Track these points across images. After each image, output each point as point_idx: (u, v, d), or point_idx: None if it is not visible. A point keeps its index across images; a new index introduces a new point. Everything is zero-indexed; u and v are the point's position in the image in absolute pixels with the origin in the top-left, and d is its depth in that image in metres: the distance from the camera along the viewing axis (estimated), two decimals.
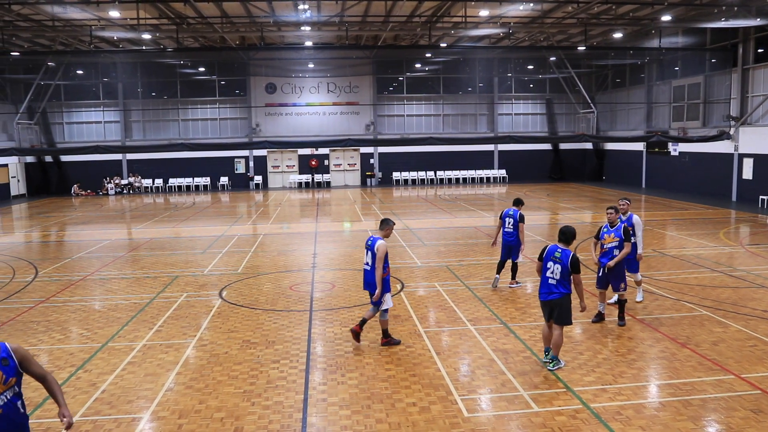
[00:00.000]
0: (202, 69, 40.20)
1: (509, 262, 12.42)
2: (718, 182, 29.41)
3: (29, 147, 35.79)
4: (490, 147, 41.83)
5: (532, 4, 24.89)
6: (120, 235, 21.25)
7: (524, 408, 6.92)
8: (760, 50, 27.39)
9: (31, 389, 7.67)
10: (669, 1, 24.16)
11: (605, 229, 9.93)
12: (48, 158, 39.01)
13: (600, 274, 9.89)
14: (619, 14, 27.39)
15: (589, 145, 40.67)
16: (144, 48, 33.48)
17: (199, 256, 16.58)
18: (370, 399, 7.25)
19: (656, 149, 34.34)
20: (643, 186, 35.82)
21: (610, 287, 9.90)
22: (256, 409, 7.04)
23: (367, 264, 8.94)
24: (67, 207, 31.33)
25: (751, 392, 7.23)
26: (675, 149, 32.60)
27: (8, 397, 4.23)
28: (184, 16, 26.44)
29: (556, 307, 7.95)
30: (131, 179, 40.04)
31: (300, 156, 41.46)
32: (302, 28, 28.41)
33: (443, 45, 32.09)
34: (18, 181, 37.47)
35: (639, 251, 10.51)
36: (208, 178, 40.70)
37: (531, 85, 42.62)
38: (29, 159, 38.24)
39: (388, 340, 9.04)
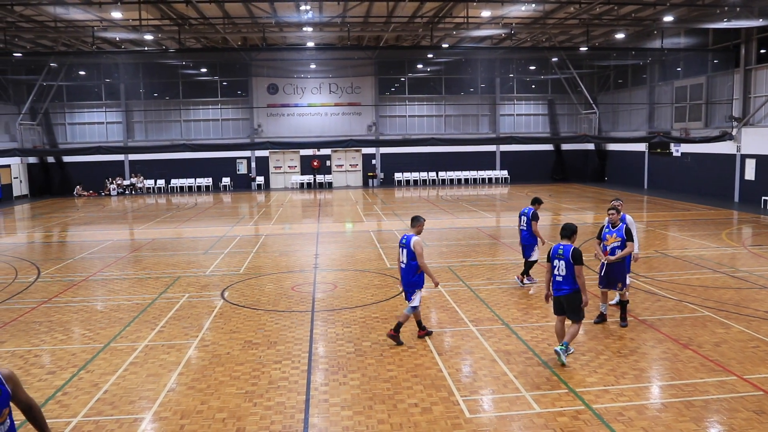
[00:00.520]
0: (204, 70, 40.24)
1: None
2: (721, 183, 29.37)
3: (32, 148, 35.89)
4: (492, 148, 41.83)
5: (534, 5, 24.88)
6: (122, 236, 21.27)
7: (526, 409, 6.92)
8: (762, 51, 27.35)
9: (33, 389, 7.69)
10: (671, 1, 24.15)
11: (606, 230, 9.92)
12: (50, 159, 39.07)
13: (602, 273, 9.89)
14: (621, 15, 27.38)
15: (591, 146, 40.64)
16: (146, 49, 33.54)
17: (201, 257, 16.60)
18: (371, 400, 7.25)
19: (658, 150, 34.30)
20: (645, 187, 35.77)
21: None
22: (258, 409, 7.04)
23: (403, 262, 9.12)
24: (69, 208, 31.38)
25: (754, 393, 7.21)
26: (677, 150, 32.55)
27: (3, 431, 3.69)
28: (186, 17, 26.48)
29: (566, 303, 8.16)
30: (133, 180, 40.09)
31: (302, 157, 41.49)
32: (304, 28, 28.43)
33: (445, 46, 32.10)
34: (20, 181, 37.54)
35: (636, 251, 10.41)
36: (210, 179, 40.74)
37: (533, 86, 42.62)
38: (32, 160, 38.31)
39: (396, 335, 9.12)
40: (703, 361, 8.27)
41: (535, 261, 12.60)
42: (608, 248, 9.79)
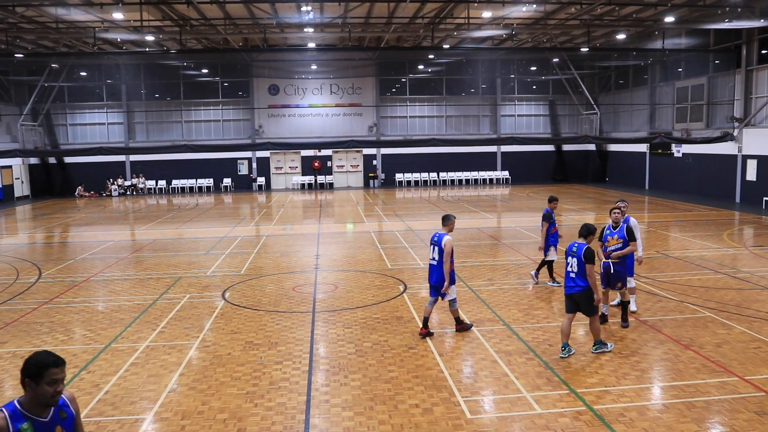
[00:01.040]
0: (205, 70, 40.27)
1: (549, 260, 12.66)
2: (722, 184, 29.34)
3: (33, 148, 35.93)
4: (492, 148, 41.83)
5: (535, 6, 24.89)
6: (123, 237, 21.29)
7: (527, 410, 6.91)
8: (763, 51, 27.34)
9: None
10: (672, 2, 24.15)
11: (608, 231, 9.91)
12: (52, 160, 39.12)
13: (602, 273, 9.88)
14: (623, 15, 27.37)
15: (592, 147, 40.61)
16: (147, 50, 33.58)
17: (202, 258, 16.60)
18: (372, 400, 7.25)
19: (659, 150, 34.28)
20: (647, 187, 35.75)
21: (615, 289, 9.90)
22: (259, 410, 7.04)
23: (433, 259, 9.39)
24: (70, 208, 31.40)
25: (755, 394, 7.20)
26: (678, 150, 32.52)
27: None
28: (188, 18, 26.49)
29: (579, 301, 8.36)
30: (134, 180, 40.12)
31: (303, 157, 41.50)
32: (305, 29, 28.45)
33: (446, 46, 32.11)
34: (22, 182, 37.58)
35: (639, 254, 10.42)
36: (211, 180, 40.76)
37: (534, 87, 42.62)
38: (33, 160, 38.36)
39: (462, 326, 9.59)
40: (705, 362, 8.26)
41: (551, 261, 12.54)
42: (608, 249, 9.79)
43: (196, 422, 6.77)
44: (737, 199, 28.24)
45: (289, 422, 6.74)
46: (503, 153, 42.07)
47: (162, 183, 40.44)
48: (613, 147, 39.79)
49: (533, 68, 41.43)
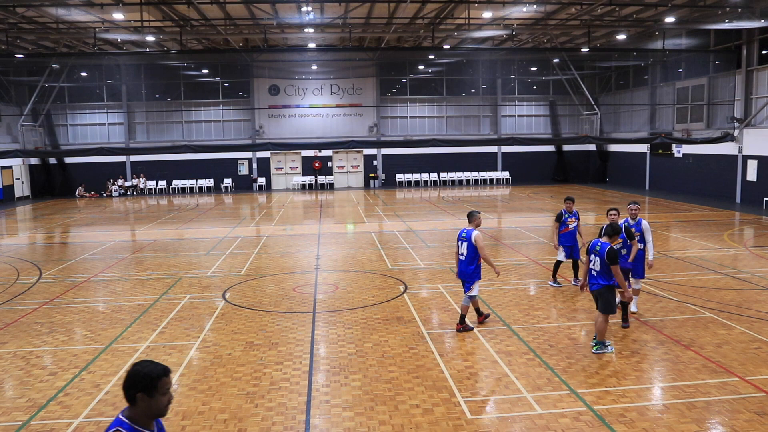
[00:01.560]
0: (205, 71, 40.29)
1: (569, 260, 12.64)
2: (722, 184, 29.34)
3: (33, 149, 35.95)
4: (493, 149, 41.83)
5: (535, 6, 24.90)
6: (123, 237, 21.29)
7: (528, 410, 6.91)
8: (764, 52, 27.34)
9: (35, 390, 7.70)
10: (673, 2, 24.15)
11: None
12: (52, 160, 39.14)
13: None
14: (623, 16, 27.39)
15: (592, 147, 40.60)
16: (148, 50, 33.60)
17: (203, 258, 16.61)
18: (373, 401, 7.25)
19: (660, 151, 34.28)
20: (647, 188, 35.75)
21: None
22: (260, 410, 7.04)
23: (462, 254, 9.71)
24: (71, 209, 31.41)
25: (756, 395, 7.20)
26: (679, 151, 32.55)
27: None
28: (188, 18, 26.51)
29: (599, 297, 8.56)
30: (135, 181, 40.13)
31: (303, 158, 41.51)
32: (305, 30, 28.46)
33: (446, 47, 32.12)
34: (22, 182, 37.59)
35: (649, 257, 10.23)
36: (212, 180, 40.77)
37: (534, 87, 42.61)
38: (33, 161, 38.38)
39: (463, 326, 9.68)
40: (705, 362, 8.26)
41: (560, 262, 12.46)
42: None
43: (196, 422, 6.77)
44: (737, 200, 28.24)
45: (290, 423, 6.74)
46: (504, 153, 42.07)
47: (162, 183, 40.45)
48: (614, 147, 39.79)
49: (534, 68, 41.44)
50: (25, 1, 22.71)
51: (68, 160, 39.15)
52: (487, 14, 26.23)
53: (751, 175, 27.64)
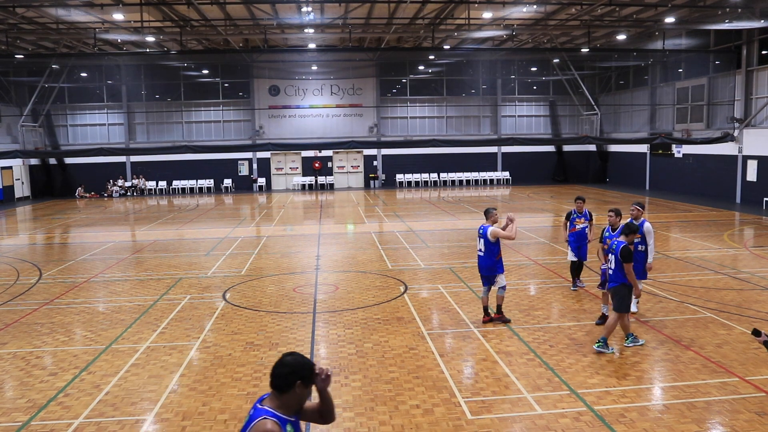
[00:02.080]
0: (205, 71, 40.30)
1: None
2: (722, 184, 29.34)
3: (33, 149, 35.96)
4: (493, 149, 41.83)
5: (535, 6, 24.90)
6: (124, 237, 21.30)
7: (528, 410, 6.91)
8: (763, 52, 27.34)
9: (35, 391, 7.70)
10: (673, 2, 24.15)
11: (607, 233, 9.90)
12: (52, 160, 39.14)
13: (604, 275, 9.88)
14: (623, 16, 27.38)
15: (592, 147, 40.60)
16: (148, 50, 33.60)
17: (203, 258, 16.61)
18: (373, 401, 7.25)
19: (660, 151, 34.28)
20: (647, 188, 35.75)
21: None
22: None
23: (480, 250, 10.05)
24: (71, 209, 31.41)
25: (756, 395, 7.20)
26: (679, 151, 32.54)
27: None
28: (188, 19, 26.51)
29: (614, 295, 8.71)
30: (135, 181, 40.13)
31: (303, 158, 41.51)
32: (305, 30, 28.45)
33: (446, 47, 32.11)
34: (22, 183, 37.60)
35: (649, 260, 10.12)
36: (212, 180, 40.78)
37: (534, 87, 42.61)
38: (33, 161, 38.38)
39: (500, 316, 10.10)
40: (705, 362, 8.26)
41: (573, 262, 12.32)
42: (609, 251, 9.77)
43: (196, 423, 6.77)
44: (737, 200, 28.24)
45: None
46: (504, 154, 42.07)
47: (162, 184, 40.45)
48: (614, 147, 39.79)
49: (534, 69, 41.45)
50: (25, 1, 22.71)
51: (68, 160, 39.16)
52: (487, 14, 26.23)
53: (751, 175, 27.64)
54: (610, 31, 30.15)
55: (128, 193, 39.39)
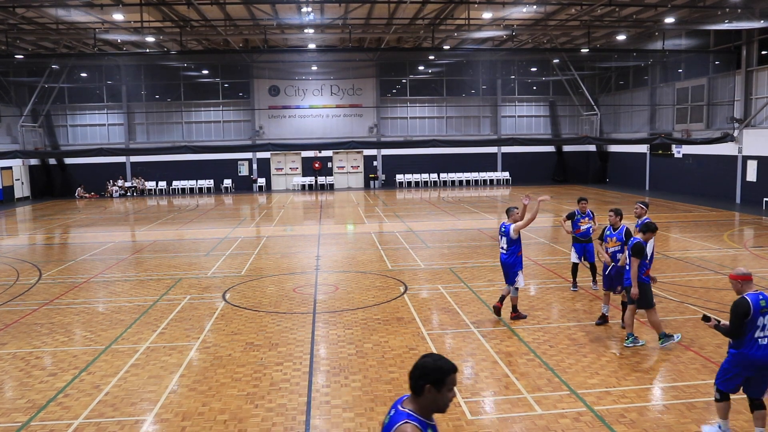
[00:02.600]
0: (205, 71, 40.30)
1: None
2: (722, 184, 29.34)
3: (33, 149, 35.93)
4: (493, 149, 41.83)
5: (535, 7, 24.90)
6: (123, 238, 21.29)
7: (528, 410, 6.91)
8: (763, 52, 27.35)
9: (35, 391, 7.69)
10: (672, 3, 24.16)
11: (607, 232, 9.90)
12: (52, 161, 39.13)
13: (605, 274, 9.88)
14: (623, 16, 27.38)
15: (592, 148, 40.61)
16: (147, 51, 33.59)
17: (203, 259, 16.60)
18: (373, 401, 7.24)
19: (660, 151, 34.28)
20: (647, 188, 35.76)
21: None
22: (260, 411, 7.04)
23: (503, 248, 10.29)
24: (70, 209, 31.41)
25: None
26: (678, 151, 32.53)
27: None
28: (188, 19, 26.52)
29: (627, 292, 8.85)
30: (135, 182, 40.13)
31: (303, 158, 41.51)
32: (305, 30, 28.46)
33: (446, 47, 32.11)
34: (22, 183, 37.59)
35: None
36: (212, 181, 40.77)
37: (534, 88, 42.62)
38: (33, 161, 38.37)
39: (517, 314, 10.28)
40: (705, 362, 8.26)
41: (575, 264, 12.28)
42: (609, 251, 9.78)
43: (196, 423, 6.77)
44: (737, 200, 28.24)
45: (290, 423, 6.74)
46: (504, 154, 42.06)
47: (162, 184, 40.45)
48: (614, 148, 39.79)
49: (533, 69, 41.44)
50: (25, 1, 22.71)
51: (68, 160, 39.16)
52: (487, 15, 26.23)
53: (751, 175, 27.64)
54: (610, 31, 30.15)
55: (128, 194, 39.39)
